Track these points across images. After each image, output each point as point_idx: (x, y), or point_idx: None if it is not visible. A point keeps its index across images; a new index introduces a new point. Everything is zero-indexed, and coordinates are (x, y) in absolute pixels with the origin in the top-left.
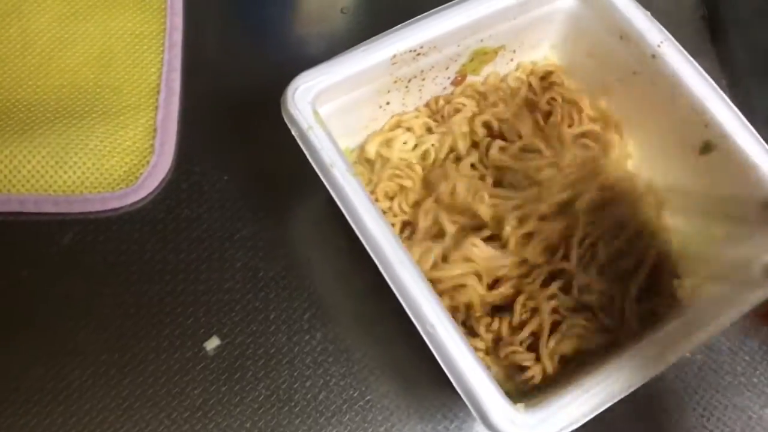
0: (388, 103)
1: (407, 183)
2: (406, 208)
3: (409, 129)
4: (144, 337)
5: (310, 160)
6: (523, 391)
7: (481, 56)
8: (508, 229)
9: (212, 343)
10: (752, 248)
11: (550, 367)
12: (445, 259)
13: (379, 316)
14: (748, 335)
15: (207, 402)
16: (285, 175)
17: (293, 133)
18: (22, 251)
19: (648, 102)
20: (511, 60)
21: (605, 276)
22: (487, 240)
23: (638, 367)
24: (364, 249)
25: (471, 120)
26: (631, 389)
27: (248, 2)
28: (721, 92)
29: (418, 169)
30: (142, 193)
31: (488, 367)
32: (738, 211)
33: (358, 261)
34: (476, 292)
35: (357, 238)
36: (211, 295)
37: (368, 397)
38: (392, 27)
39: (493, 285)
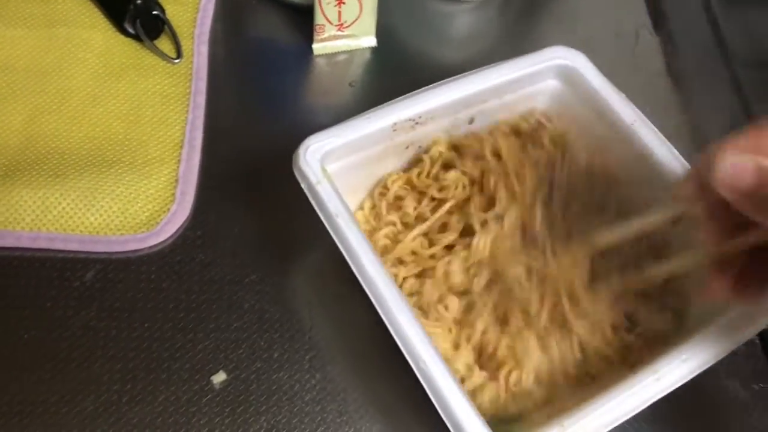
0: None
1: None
2: None
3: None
4: (155, 370)
5: (318, 210)
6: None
7: None
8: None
9: (219, 377)
10: None
11: None
12: None
13: (374, 359)
14: None
15: None
16: (291, 227)
17: (303, 186)
18: (47, 284)
19: (624, 174)
20: None
21: None
22: None
23: None
24: (362, 296)
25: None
26: None
27: (266, 72)
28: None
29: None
30: (161, 238)
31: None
32: None
33: (356, 307)
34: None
35: (355, 285)
36: (219, 333)
37: None
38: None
39: None
